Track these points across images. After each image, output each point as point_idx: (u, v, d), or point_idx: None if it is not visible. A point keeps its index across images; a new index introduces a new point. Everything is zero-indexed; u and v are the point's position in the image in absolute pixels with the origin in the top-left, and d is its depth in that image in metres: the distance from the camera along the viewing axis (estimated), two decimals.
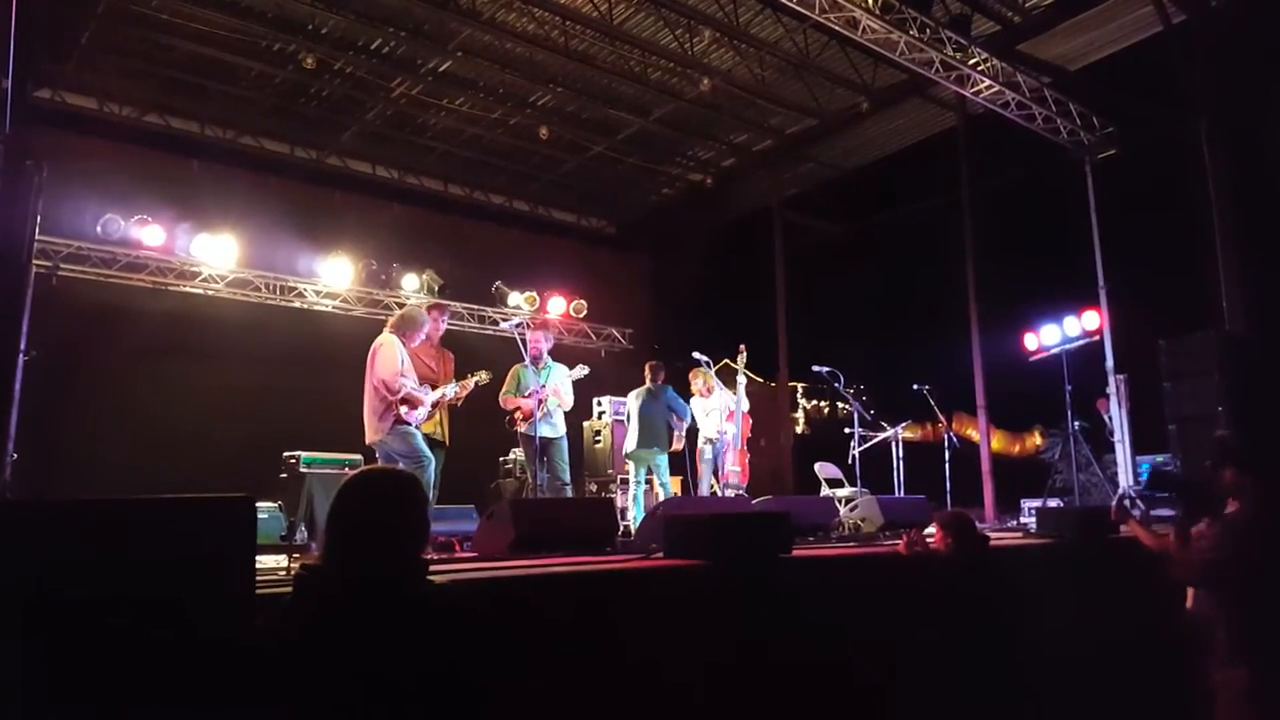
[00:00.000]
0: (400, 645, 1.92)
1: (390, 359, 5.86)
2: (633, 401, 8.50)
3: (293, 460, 8.13)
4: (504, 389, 7.53)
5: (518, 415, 7.48)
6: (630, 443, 8.44)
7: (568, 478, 7.53)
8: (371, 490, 2.13)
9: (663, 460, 8.44)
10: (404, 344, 6.04)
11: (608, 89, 11.06)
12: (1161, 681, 4.56)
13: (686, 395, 8.75)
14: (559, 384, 7.55)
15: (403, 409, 5.84)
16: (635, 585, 3.55)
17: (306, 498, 7.89)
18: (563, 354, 8.20)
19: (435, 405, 6.53)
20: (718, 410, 8.63)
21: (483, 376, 7.03)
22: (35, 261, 6.19)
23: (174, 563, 2.14)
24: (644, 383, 8.54)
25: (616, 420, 10.08)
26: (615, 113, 11.52)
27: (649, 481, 8.57)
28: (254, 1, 9.04)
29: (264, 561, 4.11)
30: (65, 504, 2.14)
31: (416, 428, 5.99)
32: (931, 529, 4.34)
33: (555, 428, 7.49)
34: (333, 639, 1.89)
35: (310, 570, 2.08)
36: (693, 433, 8.80)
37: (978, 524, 4.48)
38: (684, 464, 9.22)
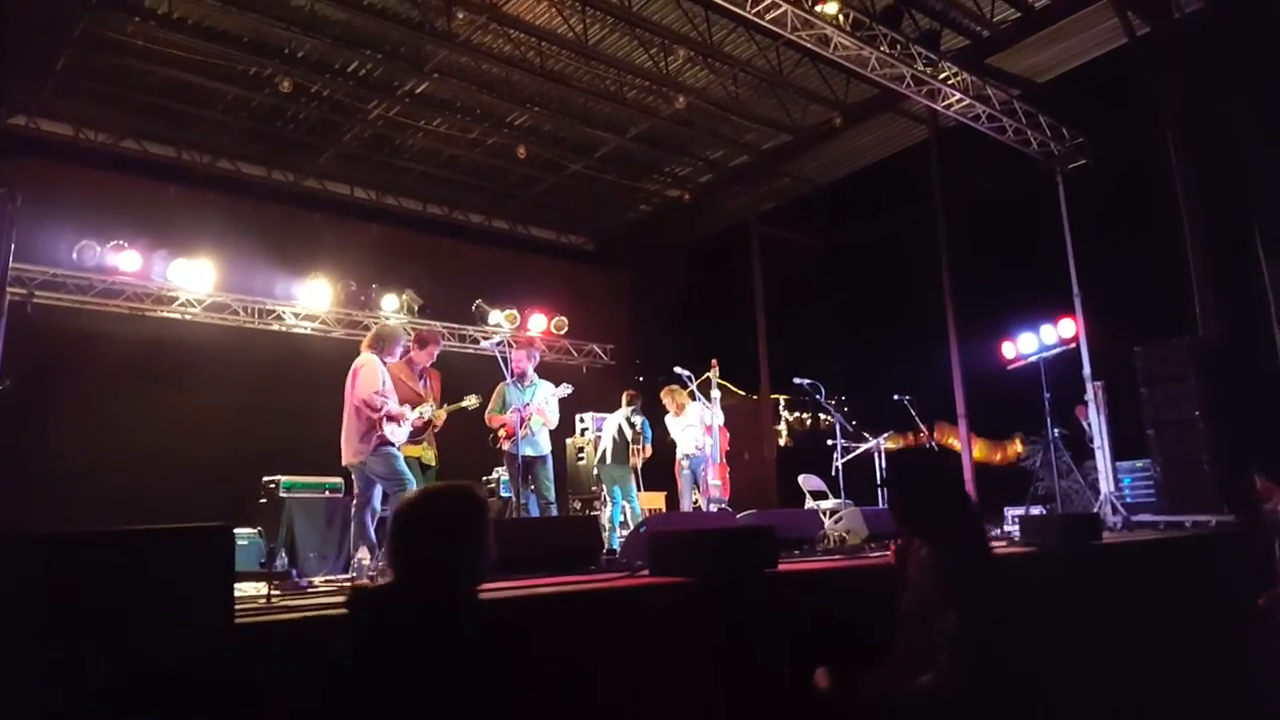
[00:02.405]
0: (455, 667, 1.90)
1: (371, 378, 5.85)
2: (609, 424, 8.94)
3: (272, 485, 8.05)
4: (490, 407, 7.52)
5: (502, 433, 7.47)
6: (598, 461, 8.99)
7: (553, 496, 7.51)
8: (435, 509, 2.10)
9: (628, 475, 8.60)
10: (383, 362, 6.04)
11: (584, 108, 11.11)
12: (1151, 686, 4.61)
13: (662, 414, 8.95)
14: (543, 402, 7.53)
15: (388, 427, 5.82)
16: (620, 604, 3.53)
17: (286, 523, 7.81)
18: (544, 371, 8.22)
19: (423, 427, 6.51)
20: (694, 426, 8.72)
21: (471, 401, 7.01)
22: (9, 289, 6.14)
23: (151, 594, 2.12)
24: (620, 407, 8.86)
25: (599, 437, 10.12)
26: (592, 131, 11.56)
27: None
28: (229, 26, 9.02)
29: (243, 589, 4.07)
30: (40, 537, 2.12)
31: (399, 449, 5.96)
32: None
33: (538, 447, 7.47)
34: (392, 662, 1.87)
35: (365, 593, 2.04)
36: (672, 449, 8.92)
37: None
38: (664, 480, 9.27)
